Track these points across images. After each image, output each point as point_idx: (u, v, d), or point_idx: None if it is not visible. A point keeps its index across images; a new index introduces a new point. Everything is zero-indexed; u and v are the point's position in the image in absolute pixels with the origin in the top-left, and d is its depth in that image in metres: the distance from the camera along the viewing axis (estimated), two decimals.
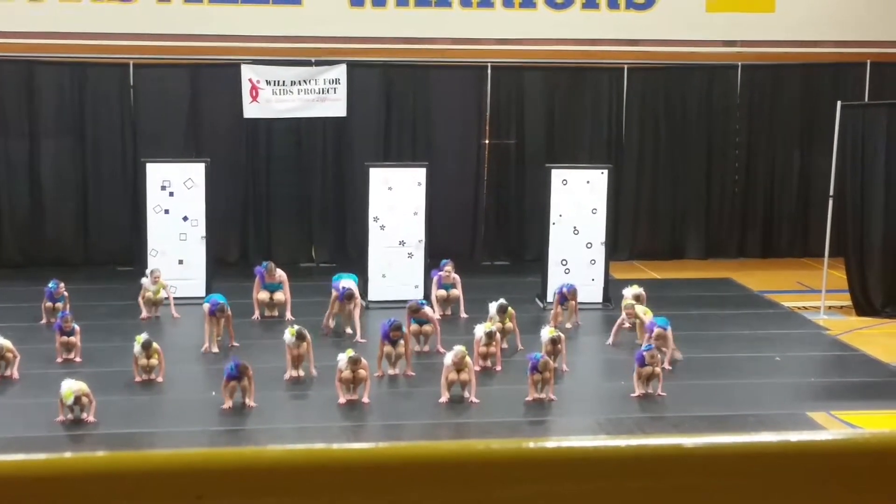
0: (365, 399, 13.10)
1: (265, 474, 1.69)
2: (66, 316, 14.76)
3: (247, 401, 12.87)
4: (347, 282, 15.95)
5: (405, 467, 1.72)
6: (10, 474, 1.66)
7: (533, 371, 13.19)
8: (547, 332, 14.48)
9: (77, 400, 12.21)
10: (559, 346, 14.29)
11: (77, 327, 14.61)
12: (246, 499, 1.68)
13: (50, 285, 16.31)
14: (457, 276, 17.04)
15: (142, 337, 13.85)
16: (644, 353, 13.48)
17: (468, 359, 13.28)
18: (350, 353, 13.23)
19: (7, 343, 13.91)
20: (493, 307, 15.38)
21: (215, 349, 14.94)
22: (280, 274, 16.82)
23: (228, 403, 12.80)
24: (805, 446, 1.75)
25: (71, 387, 12.23)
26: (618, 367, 14.65)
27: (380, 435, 12.51)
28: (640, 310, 15.69)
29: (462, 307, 16.91)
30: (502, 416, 12.95)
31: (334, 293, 15.81)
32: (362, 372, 13.08)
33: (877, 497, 1.74)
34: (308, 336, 13.97)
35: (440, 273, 17.01)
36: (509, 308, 15.35)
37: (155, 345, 13.80)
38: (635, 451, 1.75)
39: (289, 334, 13.98)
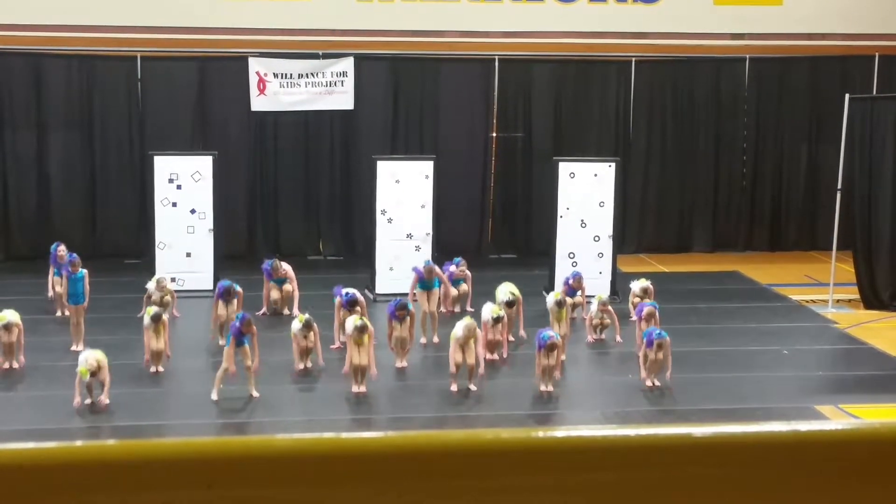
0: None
1: (275, 463, 1.69)
2: (73, 259, 14.95)
3: (252, 392, 12.93)
4: (349, 289, 15.65)
5: (414, 456, 1.72)
6: (24, 463, 1.66)
7: (540, 349, 13.24)
8: (552, 297, 14.66)
9: (93, 374, 12.27)
10: (563, 309, 14.46)
11: (85, 271, 14.98)
12: (256, 487, 1.69)
13: (52, 248, 16.50)
14: (468, 273, 17.02)
15: (152, 309, 14.08)
16: (654, 338, 13.43)
17: (478, 332, 13.38)
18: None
19: (16, 318, 13.94)
20: (500, 292, 15.37)
21: (221, 342, 14.85)
22: (286, 269, 16.77)
23: (232, 368, 12.96)
24: (815, 436, 1.75)
25: (87, 360, 12.31)
26: (625, 360, 14.64)
27: (387, 427, 12.53)
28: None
29: (469, 302, 16.89)
30: (508, 410, 12.95)
31: (337, 301, 15.26)
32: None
33: (888, 486, 1.74)
34: (315, 326, 14.00)
35: (450, 269, 16.96)
36: (517, 300, 15.34)
37: (165, 317, 14.11)
38: (645, 440, 1.76)
39: (297, 321, 14.02)
